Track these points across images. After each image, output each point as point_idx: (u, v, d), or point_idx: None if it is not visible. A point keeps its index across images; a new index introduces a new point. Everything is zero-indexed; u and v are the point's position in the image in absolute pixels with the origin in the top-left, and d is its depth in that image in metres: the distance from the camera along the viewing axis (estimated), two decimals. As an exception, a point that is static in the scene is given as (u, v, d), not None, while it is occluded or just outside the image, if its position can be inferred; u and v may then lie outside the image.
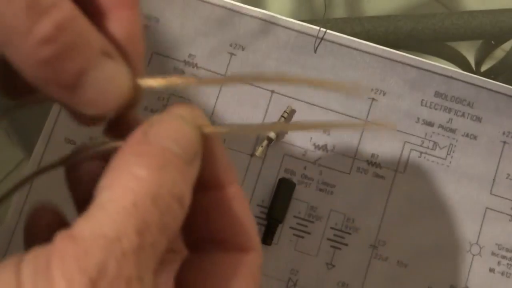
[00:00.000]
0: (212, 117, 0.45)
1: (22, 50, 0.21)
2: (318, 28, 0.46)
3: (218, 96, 0.46)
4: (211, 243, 0.24)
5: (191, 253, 0.25)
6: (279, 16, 0.46)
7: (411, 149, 0.45)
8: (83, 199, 0.26)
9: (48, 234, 0.22)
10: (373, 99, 0.46)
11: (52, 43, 0.21)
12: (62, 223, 0.26)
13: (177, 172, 0.21)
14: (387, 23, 0.51)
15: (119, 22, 0.24)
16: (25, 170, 0.44)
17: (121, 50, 0.24)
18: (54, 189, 0.45)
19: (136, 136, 0.22)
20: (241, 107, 0.46)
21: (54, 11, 0.21)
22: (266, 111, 0.46)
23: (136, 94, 0.24)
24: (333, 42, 0.46)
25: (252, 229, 0.24)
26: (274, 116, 0.45)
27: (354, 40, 0.46)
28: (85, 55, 0.22)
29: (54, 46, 0.21)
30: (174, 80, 0.25)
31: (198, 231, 0.24)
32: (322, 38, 0.46)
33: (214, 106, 0.45)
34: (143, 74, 0.25)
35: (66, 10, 0.21)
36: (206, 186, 0.24)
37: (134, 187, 0.20)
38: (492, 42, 0.52)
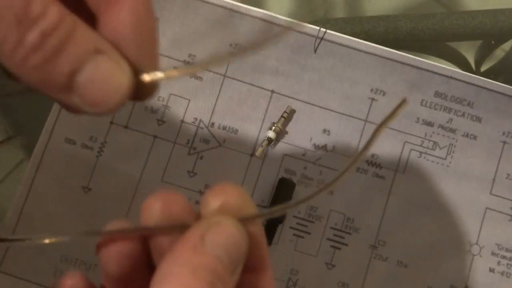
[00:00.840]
0: (212, 117, 0.45)
1: (13, 59, 0.22)
2: (318, 28, 0.46)
3: (218, 97, 0.46)
4: None
5: None
6: (279, 16, 0.46)
7: (411, 149, 0.45)
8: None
9: None
10: (373, 99, 0.46)
11: (40, 49, 0.22)
12: None
13: (221, 283, 0.23)
14: (387, 23, 0.51)
15: (122, 13, 0.24)
16: (25, 170, 0.44)
17: (125, 44, 0.24)
18: (53, 188, 0.45)
19: (192, 240, 0.24)
20: (241, 107, 0.46)
21: (41, 20, 0.22)
22: (266, 111, 0.46)
23: (145, 88, 0.25)
24: (333, 42, 0.46)
25: None
26: (274, 116, 0.45)
27: (354, 40, 0.46)
28: (75, 55, 0.22)
29: (42, 52, 0.22)
30: (173, 73, 0.25)
31: None
32: (322, 38, 0.46)
33: (214, 106, 0.45)
34: (157, 65, 0.25)
35: (53, 15, 0.22)
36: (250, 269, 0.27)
37: None
38: (492, 42, 0.52)
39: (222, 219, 0.25)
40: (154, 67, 0.25)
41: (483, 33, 0.52)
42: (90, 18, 0.25)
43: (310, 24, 0.46)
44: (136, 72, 0.24)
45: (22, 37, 0.22)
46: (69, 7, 0.23)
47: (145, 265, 0.26)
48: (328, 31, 0.46)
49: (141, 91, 0.25)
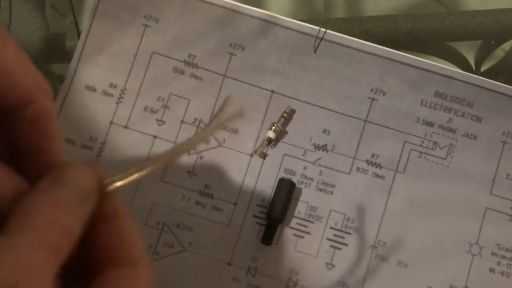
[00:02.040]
0: (211, 116, 0.45)
1: None
2: (318, 28, 0.46)
3: (218, 97, 0.46)
4: (106, 263, 0.27)
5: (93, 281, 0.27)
6: (279, 16, 0.46)
7: (411, 149, 0.45)
8: None
9: None
10: (372, 99, 0.46)
11: None
12: None
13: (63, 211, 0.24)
14: (387, 23, 0.51)
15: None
16: None
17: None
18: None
19: (49, 182, 0.25)
20: (241, 107, 0.46)
21: None
22: (266, 111, 0.46)
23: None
24: (332, 42, 0.46)
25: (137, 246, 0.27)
26: (274, 116, 0.45)
27: (354, 40, 0.46)
28: None
29: None
30: (133, 175, 0.27)
31: (95, 255, 0.27)
32: (322, 38, 0.46)
33: (214, 107, 0.45)
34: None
35: None
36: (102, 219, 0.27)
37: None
38: (492, 42, 0.52)
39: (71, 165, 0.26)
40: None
41: (483, 33, 0.52)
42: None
43: (310, 24, 0.46)
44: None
45: None
46: None
47: None
48: (328, 31, 0.46)
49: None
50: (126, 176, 0.27)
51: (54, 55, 0.49)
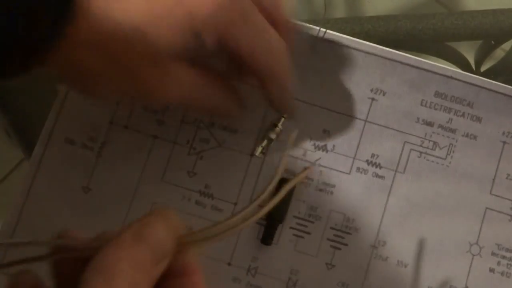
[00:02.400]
0: (212, 117, 0.45)
1: None
2: (318, 28, 0.46)
3: None
4: None
5: None
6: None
7: (411, 149, 0.45)
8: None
9: None
10: (372, 99, 0.46)
11: None
12: None
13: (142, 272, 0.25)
14: (387, 23, 0.51)
15: None
16: (25, 170, 0.44)
17: None
18: (53, 188, 0.45)
19: (130, 237, 0.26)
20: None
21: None
22: (266, 111, 0.46)
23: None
24: (332, 41, 0.46)
25: None
26: (273, 116, 0.45)
27: (353, 40, 0.46)
28: None
29: None
30: (211, 237, 0.30)
31: None
32: (322, 38, 0.46)
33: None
34: None
35: None
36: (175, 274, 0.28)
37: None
38: (492, 42, 0.52)
39: (151, 218, 0.27)
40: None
41: (483, 33, 0.52)
42: None
43: (310, 24, 0.46)
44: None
45: None
46: None
47: None
48: (328, 31, 0.46)
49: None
50: (204, 236, 0.29)
51: None
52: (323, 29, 0.46)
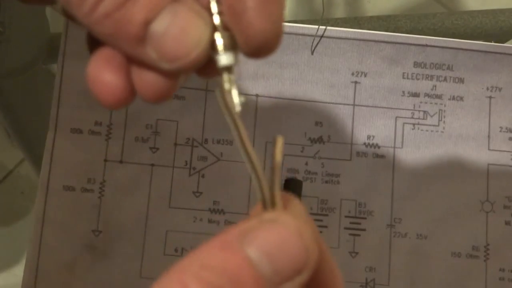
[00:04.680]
0: (204, 133, 0.45)
1: (82, 8, 0.21)
2: (314, 26, 0.46)
3: (205, 112, 0.45)
4: None
5: None
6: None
7: (404, 123, 0.46)
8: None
9: None
10: (355, 82, 0.46)
11: None
12: None
13: None
14: (387, 23, 0.51)
15: None
16: (25, 170, 0.43)
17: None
18: (63, 238, 0.44)
19: (227, 237, 0.20)
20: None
21: None
22: (256, 116, 0.45)
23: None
24: (304, 35, 0.46)
25: None
26: (264, 119, 0.45)
27: (323, 29, 0.46)
28: (149, 2, 0.21)
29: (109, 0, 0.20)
30: None
31: None
32: (321, 37, 0.46)
33: (204, 122, 0.45)
34: (279, 37, 0.22)
35: None
36: None
37: None
38: (492, 42, 0.53)
39: (280, 217, 0.20)
40: (272, 47, 0.23)
41: (483, 33, 0.52)
42: None
43: (310, 24, 0.46)
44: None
45: None
46: None
47: None
48: (296, 25, 0.46)
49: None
50: None
51: (54, 55, 0.48)
52: (321, 27, 0.46)
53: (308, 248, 0.20)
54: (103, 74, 0.23)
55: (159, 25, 0.21)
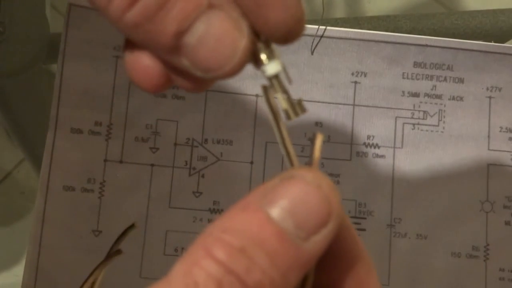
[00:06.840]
0: (204, 133, 0.45)
1: (108, 14, 0.20)
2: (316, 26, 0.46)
3: (204, 112, 0.45)
4: None
5: None
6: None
7: (404, 123, 0.46)
8: None
9: None
10: (355, 82, 0.46)
11: (137, 5, 0.19)
12: None
13: (268, 258, 0.19)
14: (387, 23, 0.51)
15: None
16: (25, 170, 0.43)
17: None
18: (63, 238, 0.44)
19: (248, 199, 0.20)
20: (230, 118, 0.45)
21: None
22: (255, 116, 0.45)
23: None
24: (304, 34, 0.46)
25: None
26: (264, 120, 0.45)
27: (324, 29, 0.46)
28: (182, 12, 0.20)
29: (139, 8, 0.20)
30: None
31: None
32: (321, 37, 0.46)
33: (203, 122, 0.45)
34: (300, 30, 0.22)
35: None
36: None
37: (207, 270, 0.18)
38: (492, 42, 0.53)
39: (297, 172, 0.20)
40: (298, 33, 0.22)
41: (483, 33, 0.52)
42: None
43: (310, 24, 0.46)
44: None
45: None
46: None
47: None
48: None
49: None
50: None
51: (54, 55, 0.48)
52: (321, 27, 0.46)
53: (328, 198, 0.20)
54: (141, 58, 0.22)
55: (192, 36, 0.20)
